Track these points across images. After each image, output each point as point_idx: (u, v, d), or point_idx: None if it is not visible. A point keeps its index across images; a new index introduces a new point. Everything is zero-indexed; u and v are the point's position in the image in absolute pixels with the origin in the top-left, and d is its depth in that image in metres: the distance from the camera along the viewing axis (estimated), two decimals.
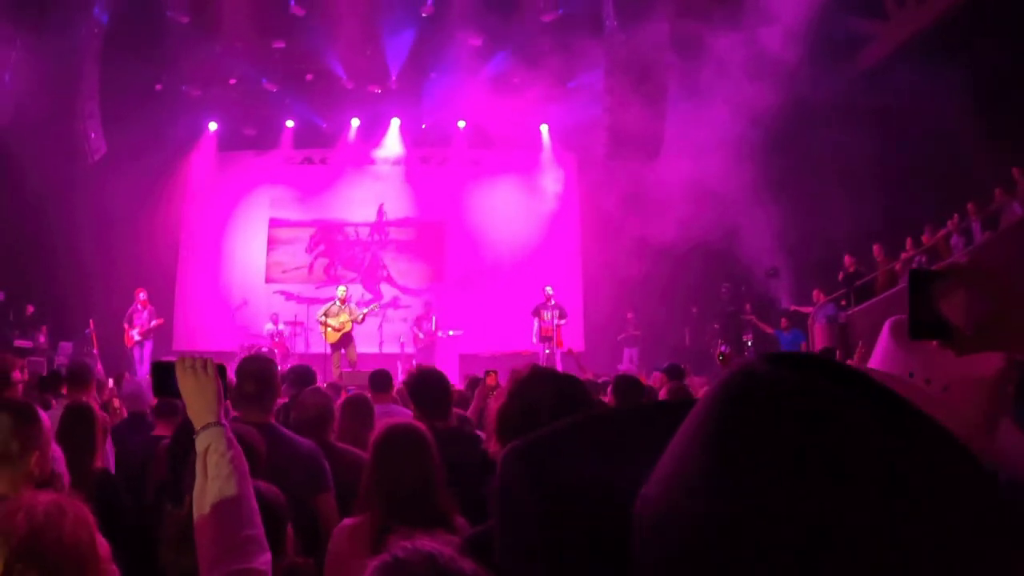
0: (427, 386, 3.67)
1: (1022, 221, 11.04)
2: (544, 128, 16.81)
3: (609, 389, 4.78)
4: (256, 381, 3.50)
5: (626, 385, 4.53)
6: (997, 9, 11.18)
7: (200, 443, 1.66)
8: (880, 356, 1.39)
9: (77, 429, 3.40)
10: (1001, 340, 1.19)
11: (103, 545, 1.34)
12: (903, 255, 11.96)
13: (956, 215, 11.41)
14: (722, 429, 0.54)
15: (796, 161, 13.38)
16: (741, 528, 0.51)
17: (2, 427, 2.38)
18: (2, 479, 2.25)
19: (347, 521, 2.62)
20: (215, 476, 1.60)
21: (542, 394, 1.76)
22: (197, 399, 1.71)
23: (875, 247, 12.51)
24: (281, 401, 6.05)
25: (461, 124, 16.79)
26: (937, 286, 1.17)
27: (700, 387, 6.59)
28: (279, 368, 12.55)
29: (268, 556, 1.60)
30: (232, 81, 16.18)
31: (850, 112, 12.66)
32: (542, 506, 0.64)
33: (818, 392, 0.52)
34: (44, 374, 6.92)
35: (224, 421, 1.70)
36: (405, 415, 4.00)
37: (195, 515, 1.60)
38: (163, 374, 1.81)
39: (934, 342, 1.20)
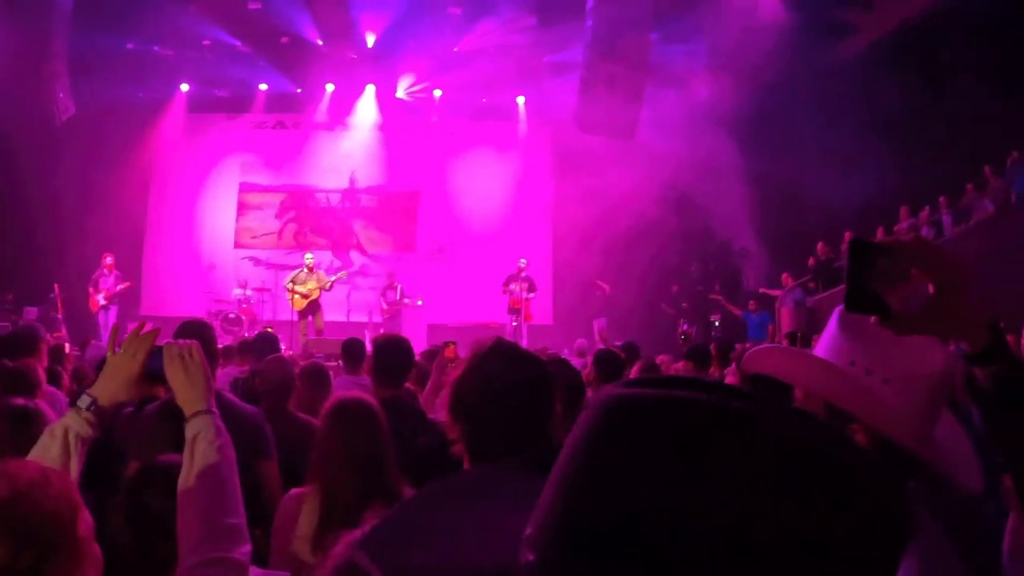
0: (386, 354, 3.62)
1: (992, 217, 11.21)
2: (520, 101, 16.68)
3: (590, 362, 4.89)
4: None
5: (606, 360, 4.64)
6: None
7: (189, 430, 1.65)
8: (825, 343, 1.37)
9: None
10: (942, 327, 1.12)
11: (86, 522, 1.27)
12: None
13: (928, 207, 11.52)
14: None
15: (774, 144, 13.35)
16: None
17: None
18: None
19: (295, 491, 2.61)
20: (202, 464, 1.60)
21: (501, 372, 1.70)
22: (186, 387, 1.69)
23: (846, 234, 12.57)
24: (245, 368, 6.00)
25: (437, 93, 16.60)
26: (881, 261, 1.09)
27: (667, 366, 6.57)
28: (246, 334, 12.31)
29: (248, 547, 1.59)
30: (206, 42, 15.86)
31: (830, 99, 12.67)
32: None
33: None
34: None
35: (214, 408, 1.70)
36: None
37: (179, 501, 1.59)
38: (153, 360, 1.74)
39: (878, 333, 1.13)
